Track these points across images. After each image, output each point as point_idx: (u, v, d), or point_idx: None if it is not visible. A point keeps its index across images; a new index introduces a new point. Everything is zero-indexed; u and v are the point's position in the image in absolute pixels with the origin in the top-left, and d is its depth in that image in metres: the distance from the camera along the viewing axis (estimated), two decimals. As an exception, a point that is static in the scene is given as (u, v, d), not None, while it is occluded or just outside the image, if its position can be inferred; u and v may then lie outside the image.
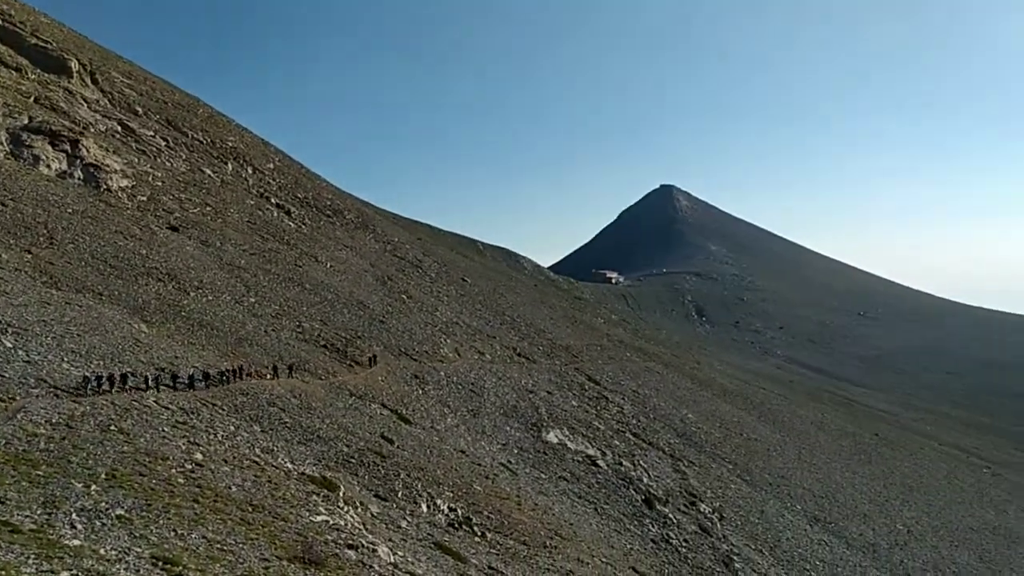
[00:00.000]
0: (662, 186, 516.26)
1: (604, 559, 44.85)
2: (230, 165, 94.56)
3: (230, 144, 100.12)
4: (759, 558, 60.93)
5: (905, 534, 79.73)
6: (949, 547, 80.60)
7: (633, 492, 61.67)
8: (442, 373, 68.40)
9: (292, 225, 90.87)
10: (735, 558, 58.24)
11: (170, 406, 33.70)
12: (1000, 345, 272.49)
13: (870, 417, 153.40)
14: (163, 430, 29.33)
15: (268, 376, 46.79)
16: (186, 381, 38.32)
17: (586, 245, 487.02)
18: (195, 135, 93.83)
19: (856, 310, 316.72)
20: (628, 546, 51.80)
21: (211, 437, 31.51)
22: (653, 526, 57.47)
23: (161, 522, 19.88)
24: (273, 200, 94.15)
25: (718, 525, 63.54)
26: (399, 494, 37.98)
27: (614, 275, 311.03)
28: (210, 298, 58.32)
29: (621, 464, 66.24)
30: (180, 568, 17.02)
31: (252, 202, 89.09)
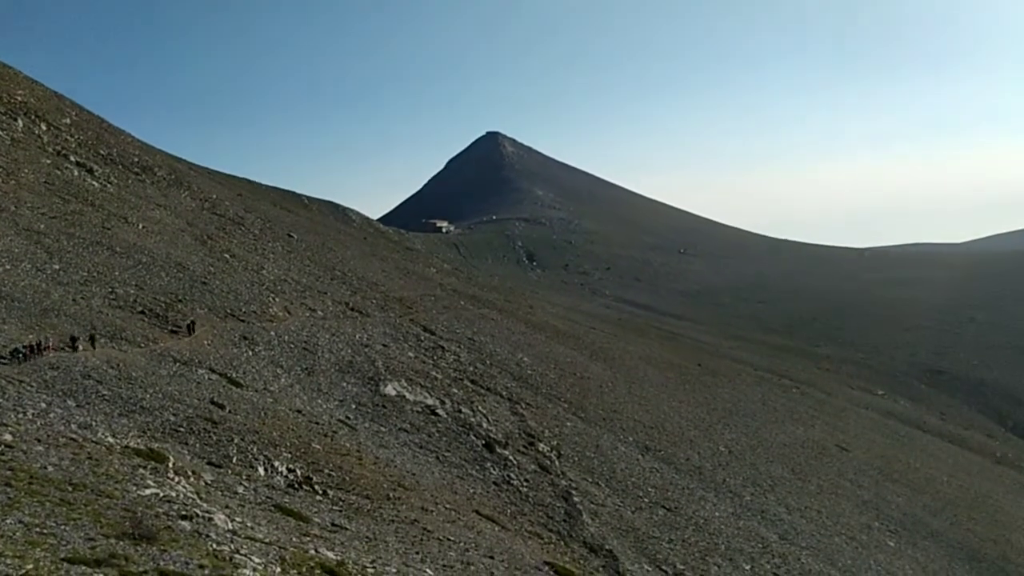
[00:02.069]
0: (488, 133, 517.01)
1: (448, 505, 45.41)
2: (20, 121, 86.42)
3: (19, 99, 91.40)
4: (596, 490, 63.60)
5: (727, 455, 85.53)
6: (765, 463, 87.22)
7: (473, 438, 62.58)
8: (272, 333, 66.33)
9: (96, 185, 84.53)
10: (574, 492, 60.47)
11: (-32, 387, 31.16)
12: (810, 275, 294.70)
13: (693, 349, 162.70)
14: (-38, 413, 27.19)
15: (66, 348, 42.97)
16: None
17: (415, 195, 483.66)
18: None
19: (677, 248, 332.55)
20: (471, 491, 52.67)
21: (20, 416, 29.39)
22: (494, 469, 58.64)
23: (-31, 510, 18.32)
24: (73, 158, 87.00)
25: (556, 462, 65.66)
26: (234, 459, 36.76)
27: (444, 224, 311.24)
28: (7, 267, 53.59)
29: (460, 411, 66.97)
30: (-5, 557, 15.80)
31: (49, 161, 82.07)
